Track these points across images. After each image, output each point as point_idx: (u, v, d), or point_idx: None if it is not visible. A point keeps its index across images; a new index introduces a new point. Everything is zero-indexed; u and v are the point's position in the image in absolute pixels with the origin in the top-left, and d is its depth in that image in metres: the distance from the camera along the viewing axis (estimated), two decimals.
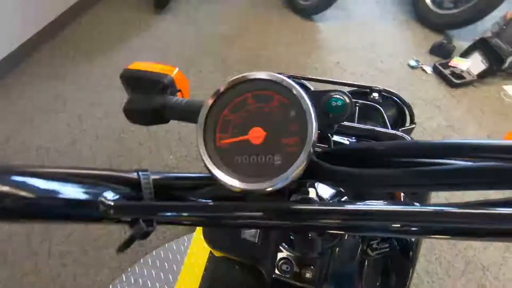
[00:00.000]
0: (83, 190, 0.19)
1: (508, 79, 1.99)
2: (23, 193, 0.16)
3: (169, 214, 0.20)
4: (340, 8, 2.52)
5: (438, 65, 2.03)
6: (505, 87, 1.96)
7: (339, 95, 0.21)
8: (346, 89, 0.54)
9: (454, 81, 1.94)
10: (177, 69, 0.35)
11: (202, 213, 0.20)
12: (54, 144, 1.71)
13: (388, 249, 0.33)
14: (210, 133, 0.21)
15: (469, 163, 0.17)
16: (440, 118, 1.81)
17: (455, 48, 2.12)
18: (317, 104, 0.21)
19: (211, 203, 0.20)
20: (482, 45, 1.95)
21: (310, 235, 0.28)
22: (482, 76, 1.94)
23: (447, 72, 1.98)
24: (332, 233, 0.30)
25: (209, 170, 0.20)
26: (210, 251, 0.71)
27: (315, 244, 0.30)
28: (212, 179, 0.20)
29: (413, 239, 0.35)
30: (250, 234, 0.38)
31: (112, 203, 0.19)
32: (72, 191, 0.18)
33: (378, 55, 2.18)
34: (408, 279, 0.35)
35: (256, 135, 0.20)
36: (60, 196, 0.18)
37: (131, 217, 0.19)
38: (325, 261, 0.34)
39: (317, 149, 0.24)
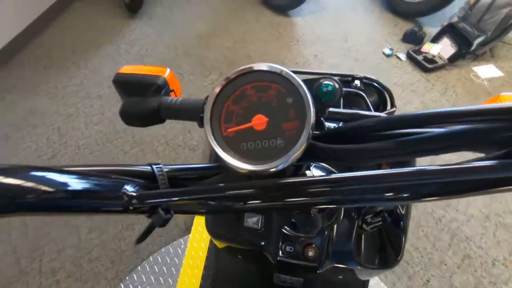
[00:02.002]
0: (105, 184, 0.20)
1: (476, 61, 2.10)
2: (56, 188, 0.17)
3: (186, 197, 0.21)
4: (313, 2, 2.56)
5: (411, 52, 2.11)
6: (474, 68, 2.07)
7: (329, 81, 0.23)
8: None
9: (427, 66, 2.03)
10: (168, 70, 0.36)
11: (215, 193, 0.21)
12: (34, 161, 1.65)
13: (381, 222, 0.35)
14: (216, 124, 0.22)
15: (447, 129, 0.19)
16: (417, 101, 1.89)
17: (426, 34, 2.21)
18: (312, 90, 0.23)
19: (222, 185, 0.21)
20: (450, 30, 2.04)
21: (311, 212, 0.30)
22: (452, 59, 2.04)
23: (420, 58, 2.07)
24: (330, 208, 0.32)
25: (219, 156, 0.21)
26: (210, 245, 0.72)
27: (315, 222, 0.32)
28: (220, 167, 0.21)
29: (402, 211, 0.38)
30: (252, 221, 0.39)
31: (134, 194, 0.20)
32: (95, 186, 0.19)
33: (353, 45, 2.24)
34: (402, 247, 0.38)
35: (259, 121, 0.22)
36: (86, 190, 0.18)
37: (153, 205, 0.20)
38: (325, 239, 0.36)
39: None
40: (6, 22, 2.15)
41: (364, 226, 0.36)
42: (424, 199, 0.22)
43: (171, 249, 1.22)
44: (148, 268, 1.18)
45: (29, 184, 0.16)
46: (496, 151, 0.19)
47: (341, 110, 0.37)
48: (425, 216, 1.38)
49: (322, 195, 0.21)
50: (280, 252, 0.36)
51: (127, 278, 1.17)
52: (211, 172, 0.26)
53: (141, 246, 1.32)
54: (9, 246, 1.38)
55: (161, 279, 1.15)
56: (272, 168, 0.20)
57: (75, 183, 0.18)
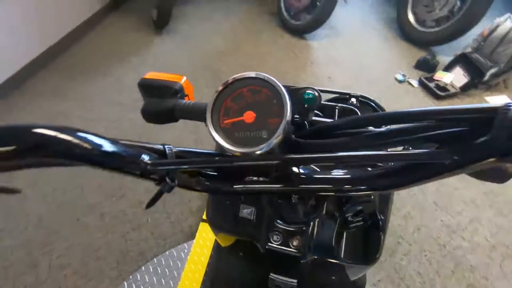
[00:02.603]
0: (129, 151, 0.25)
1: (489, 91, 2.12)
2: (94, 147, 0.23)
3: (188, 166, 0.26)
4: (329, 27, 2.67)
5: (423, 79, 2.15)
6: (487, 98, 2.07)
7: (310, 90, 0.28)
8: (329, 95, 0.61)
9: (439, 93, 2.05)
10: (185, 77, 0.43)
11: (213, 163, 0.27)
12: None
13: (361, 222, 0.39)
14: (216, 117, 0.28)
15: (402, 125, 0.24)
16: None
17: (439, 63, 2.25)
18: (294, 98, 0.28)
19: (218, 158, 0.27)
20: (463, 60, 2.08)
21: (294, 200, 0.35)
22: (465, 88, 2.06)
23: (432, 85, 2.10)
24: (308, 195, 0.36)
25: (216, 142, 0.27)
26: (212, 251, 0.76)
27: (297, 210, 0.37)
28: (220, 153, 0.27)
29: (381, 216, 0.42)
30: (247, 212, 0.44)
31: (149, 162, 0.25)
32: (122, 151, 0.25)
33: (366, 69, 2.31)
34: (380, 246, 0.42)
35: (249, 116, 0.27)
36: (115, 152, 0.24)
37: (162, 171, 0.26)
38: (309, 232, 0.40)
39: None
40: (45, 32, 2.35)
41: (345, 224, 0.40)
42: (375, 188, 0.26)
43: (175, 253, 1.26)
44: (151, 269, 1.22)
45: (77, 140, 0.22)
46: (431, 147, 0.24)
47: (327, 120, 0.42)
48: (428, 241, 1.37)
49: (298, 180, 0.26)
50: (269, 241, 0.41)
51: (130, 277, 1.21)
52: (212, 155, 0.31)
53: (145, 248, 1.36)
54: (23, 239, 1.46)
55: (163, 280, 1.18)
56: (256, 151, 0.25)
57: (108, 146, 0.24)
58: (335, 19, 2.70)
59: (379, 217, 0.41)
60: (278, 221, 0.40)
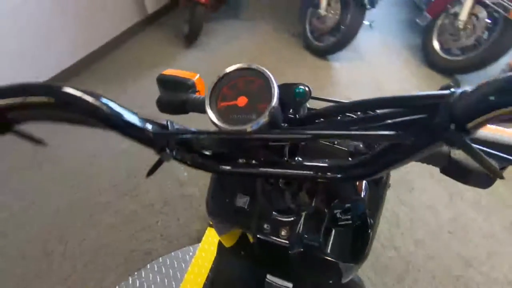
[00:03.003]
0: (138, 121, 0.30)
1: None
2: (112, 112, 0.27)
3: (189, 136, 0.30)
4: (353, 50, 2.71)
5: None
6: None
7: (302, 85, 0.32)
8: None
9: None
10: (198, 75, 0.47)
11: (212, 136, 0.30)
12: (88, 146, 1.88)
13: (350, 221, 0.40)
14: (214, 101, 0.32)
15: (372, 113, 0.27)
16: None
17: None
18: (287, 92, 0.32)
19: (213, 130, 0.30)
20: None
21: (279, 183, 0.37)
22: None
23: None
24: (296, 180, 0.38)
25: (213, 122, 0.30)
26: (217, 248, 0.78)
27: (288, 199, 0.39)
28: (217, 132, 0.30)
29: (371, 220, 0.43)
30: (242, 202, 0.46)
31: (152, 131, 0.29)
32: (132, 119, 0.29)
33: (386, 93, 2.30)
34: (368, 246, 0.43)
35: (241, 101, 0.31)
36: (126, 120, 0.28)
37: (164, 141, 0.29)
38: (298, 223, 0.42)
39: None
40: (87, 39, 2.57)
41: (334, 221, 0.41)
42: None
43: (180, 254, 1.29)
44: (156, 268, 1.25)
45: (98, 103, 0.27)
46: None
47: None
48: (441, 271, 1.31)
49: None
50: (259, 230, 0.43)
51: (135, 273, 1.24)
52: (211, 136, 0.35)
53: (153, 248, 1.40)
54: (40, 230, 1.54)
55: (165, 280, 1.21)
56: (246, 129, 0.29)
57: (122, 113, 0.28)
58: (358, 43, 2.75)
59: (368, 219, 0.42)
60: (272, 212, 0.43)
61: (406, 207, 1.55)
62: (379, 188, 0.45)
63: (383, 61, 2.68)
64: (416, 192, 1.63)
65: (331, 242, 0.43)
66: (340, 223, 0.41)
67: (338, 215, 0.41)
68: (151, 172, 0.31)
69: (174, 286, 1.19)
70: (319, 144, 0.45)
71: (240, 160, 0.33)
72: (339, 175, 0.30)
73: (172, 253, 1.30)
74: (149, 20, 3.23)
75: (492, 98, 0.19)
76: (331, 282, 0.55)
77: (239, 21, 3.28)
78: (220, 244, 0.80)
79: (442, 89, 0.23)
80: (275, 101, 0.29)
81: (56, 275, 1.36)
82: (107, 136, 1.83)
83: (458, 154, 0.34)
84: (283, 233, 0.43)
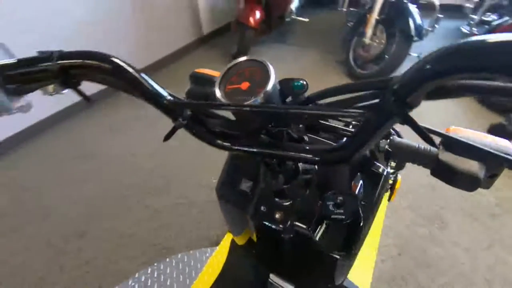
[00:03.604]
0: (163, 91, 0.38)
1: None
2: (139, 78, 0.36)
3: (198, 107, 0.37)
4: None
5: None
6: None
7: (301, 80, 0.37)
8: None
9: None
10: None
11: (213, 107, 0.37)
12: (130, 143, 2.09)
13: (342, 216, 0.42)
14: (223, 85, 0.38)
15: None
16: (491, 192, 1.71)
17: None
18: (287, 86, 0.37)
19: (222, 102, 0.37)
20: None
21: (273, 162, 0.42)
22: None
23: None
24: (288, 159, 0.43)
25: (218, 100, 0.37)
26: (230, 246, 0.83)
27: (280, 180, 0.43)
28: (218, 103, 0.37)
29: (363, 220, 0.45)
30: (246, 186, 0.51)
31: (169, 99, 0.37)
32: (156, 88, 0.37)
33: (431, 126, 2.20)
34: (357, 243, 0.44)
35: (244, 85, 0.37)
36: (152, 88, 0.37)
37: (180, 110, 0.37)
38: (291, 209, 0.45)
39: None
40: (146, 53, 2.90)
41: (326, 213, 0.44)
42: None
43: (197, 254, 1.35)
44: (174, 263, 1.32)
45: (136, 75, 0.36)
46: None
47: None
48: None
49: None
50: (257, 212, 0.48)
51: (155, 264, 1.32)
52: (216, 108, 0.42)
53: (172, 246, 1.48)
54: (71, 216, 1.73)
55: (181, 276, 1.26)
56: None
57: (153, 85, 0.37)
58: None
59: (361, 217, 0.44)
60: (271, 196, 0.47)
61: (438, 246, 1.45)
62: (375, 189, 0.47)
63: None
64: (450, 231, 1.51)
65: (321, 231, 0.46)
66: (332, 216, 0.43)
67: (330, 207, 0.43)
68: (167, 137, 0.39)
69: (188, 283, 1.24)
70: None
71: (239, 141, 0.39)
72: (316, 158, 0.34)
73: (191, 251, 1.37)
74: (204, 40, 3.54)
75: (422, 71, 0.24)
76: (329, 286, 0.56)
77: (286, 46, 3.44)
78: (232, 243, 0.85)
79: None
80: (270, 86, 0.35)
81: (79, 255, 1.51)
82: (154, 132, 2.01)
83: (445, 156, 0.36)
84: (277, 216, 0.47)
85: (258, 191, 0.49)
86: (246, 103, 0.34)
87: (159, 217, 1.66)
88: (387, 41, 2.52)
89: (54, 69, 0.37)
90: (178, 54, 3.24)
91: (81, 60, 0.37)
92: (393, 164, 0.63)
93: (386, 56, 2.50)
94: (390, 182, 0.67)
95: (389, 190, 0.68)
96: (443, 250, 1.43)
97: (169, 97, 0.38)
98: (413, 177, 1.76)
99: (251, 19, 2.82)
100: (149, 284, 1.26)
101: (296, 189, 0.45)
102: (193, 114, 0.39)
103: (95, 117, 2.51)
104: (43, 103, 2.24)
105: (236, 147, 0.39)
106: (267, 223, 0.48)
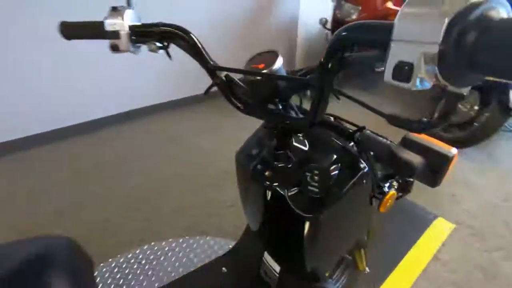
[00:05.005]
0: (207, 55, 0.55)
1: None
2: (198, 44, 0.55)
3: (229, 71, 0.53)
4: (481, 150, 2.36)
5: None
6: None
7: (304, 69, 0.50)
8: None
9: None
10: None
11: (240, 71, 0.51)
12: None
13: (317, 190, 0.51)
14: (248, 66, 0.53)
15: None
16: None
17: None
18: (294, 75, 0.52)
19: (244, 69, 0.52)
20: None
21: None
22: None
23: None
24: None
25: (248, 71, 0.52)
26: (245, 229, 0.94)
27: (271, 144, 0.58)
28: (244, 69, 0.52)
29: (331, 195, 0.54)
30: (255, 151, 0.64)
31: (212, 63, 0.53)
32: (205, 53, 0.55)
33: (509, 208, 1.86)
34: (324, 210, 0.54)
35: (261, 65, 0.51)
36: (202, 52, 0.54)
37: (219, 71, 0.53)
38: (280, 170, 0.57)
39: None
40: (176, 89, 3.05)
41: (303, 182, 0.53)
42: None
43: (191, 241, 1.40)
44: (191, 242, 1.43)
45: (196, 40, 0.55)
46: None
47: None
48: None
49: None
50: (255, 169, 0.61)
51: (180, 239, 1.44)
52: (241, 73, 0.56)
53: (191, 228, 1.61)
54: (124, 194, 2.03)
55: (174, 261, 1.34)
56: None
57: (203, 50, 0.55)
58: (494, 145, 2.38)
59: (325, 190, 0.52)
60: (270, 159, 0.60)
61: None
62: (350, 179, 0.54)
63: None
64: None
65: (293, 193, 0.56)
66: (308, 187, 0.52)
67: (308, 179, 0.52)
68: (206, 91, 0.55)
69: (181, 270, 1.31)
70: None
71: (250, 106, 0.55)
72: (300, 122, 0.51)
73: (208, 237, 1.46)
74: (293, 74, 3.83)
75: (332, 45, 0.37)
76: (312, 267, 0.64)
77: (367, 94, 3.43)
78: (247, 227, 0.95)
79: None
80: (275, 65, 0.50)
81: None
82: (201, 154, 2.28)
83: (396, 148, 0.48)
84: (267, 173, 0.58)
85: (261, 155, 0.62)
86: (253, 71, 0.51)
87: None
88: (480, 109, 2.29)
89: (157, 31, 0.56)
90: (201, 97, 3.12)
91: (171, 29, 0.56)
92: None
93: (476, 124, 2.26)
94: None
95: (378, 200, 0.69)
96: None
97: (212, 62, 0.54)
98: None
99: None
100: (143, 262, 1.28)
101: (286, 159, 0.58)
102: (226, 79, 0.55)
103: (192, 118, 2.97)
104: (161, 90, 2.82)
105: (246, 110, 0.54)
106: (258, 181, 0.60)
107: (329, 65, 0.39)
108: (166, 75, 2.85)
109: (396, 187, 0.67)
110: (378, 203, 0.72)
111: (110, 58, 2.27)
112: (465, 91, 0.30)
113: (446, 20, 0.23)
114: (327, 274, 0.78)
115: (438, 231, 1.66)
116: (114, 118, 2.72)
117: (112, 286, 1.14)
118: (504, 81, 0.28)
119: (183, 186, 1.98)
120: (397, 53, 0.26)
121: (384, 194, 0.69)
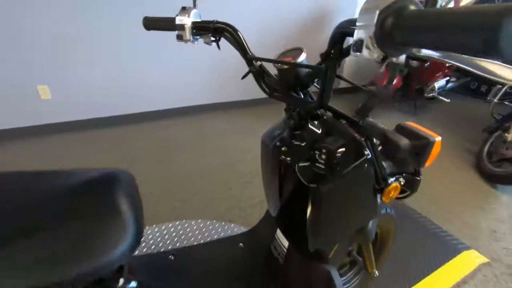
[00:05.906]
0: (247, 47, 0.69)
1: None
2: (239, 37, 0.69)
3: (261, 60, 0.66)
4: None
5: None
6: None
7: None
8: None
9: None
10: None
11: (269, 60, 0.63)
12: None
13: (323, 167, 0.60)
14: (279, 57, 0.64)
15: None
16: None
17: None
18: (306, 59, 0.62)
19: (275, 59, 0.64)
20: None
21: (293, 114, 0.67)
22: None
23: None
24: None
25: (276, 60, 0.63)
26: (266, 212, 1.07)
27: (291, 125, 0.69)
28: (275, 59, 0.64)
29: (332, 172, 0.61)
30: (277, 132, 0.74)
31: (250, 54, 0.67)
32: (246, 46, 0.69)
33: None
34: (329, 185, 0.60)
35: (289, 58, 0.62)
36: (244, 44, 0.69)
37: (256, 61, 0.65)
38: (294, 148, 0.67)
39: None
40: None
41: (312, 160, 0.62)
42: None
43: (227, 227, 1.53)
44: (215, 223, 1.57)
45: (239, 36, 0.69)
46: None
47: None
48: None
49: None
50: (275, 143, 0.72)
51: (192, 222, 1.58)
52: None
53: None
54: (169, 184, 2.23)
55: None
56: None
57: (244, 41, 0.70)
58: None
59: (330, 171, 0.60)
60: (287, 137, 0.70)
61: None
62: (352, 162, 0.62)
63: None
64: None
65: (302, 165, 0.64)
66: (316, 163, 0.61)
67: (316, 156, 0.61)
68: (243, 77, 0.68)
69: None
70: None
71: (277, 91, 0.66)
72: (310, 104, 0.61)
73: (225, 224, 1.58)
74: (338, 91, 3.86)
75: (333, 37, 0.50)
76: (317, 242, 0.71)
77: (415, 119, 3.31)
78: (267, 211, 1.07)
79: None
80: (300, 58, 0.61)
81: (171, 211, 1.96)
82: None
83: (390, 133, 0.55)
84: (283, 149, 0.68)
85: (281, 135, 0.73)
86: (281, 60, 0.63)
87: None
88: None
89: (211, 27, 0.71)
90: (256, 102, 3.43)
91: (224, 25, 0.70)
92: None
93: None
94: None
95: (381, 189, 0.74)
96: None
97: (250, 53, 0.68)
98: None
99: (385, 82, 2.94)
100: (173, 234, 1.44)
101: (301, 138, 0.68)
102: (260, 68, 0.68)
103: (238, 121, 3.20)
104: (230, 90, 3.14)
105: (271, 94, 0.67)
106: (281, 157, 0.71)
107: (331, 54, 0.50)
108: (221, 79, 3.13)
109: (402, 183, 0.73)
110: (381, 194, 0.78)
111: (180, 61, 2.85)
112: (401, 60, 0.41)
113: (377, 12, 0.35)
114: (329, 257, 0.84)
115: (467, 262, 1.56)
116: (173, 111, 3.10)
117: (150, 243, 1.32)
118: (422, 52, 0.40)
119: (214, 179, 2.15)
120: (357, 34, 0.38)
121: (387, 184, 0.76)
